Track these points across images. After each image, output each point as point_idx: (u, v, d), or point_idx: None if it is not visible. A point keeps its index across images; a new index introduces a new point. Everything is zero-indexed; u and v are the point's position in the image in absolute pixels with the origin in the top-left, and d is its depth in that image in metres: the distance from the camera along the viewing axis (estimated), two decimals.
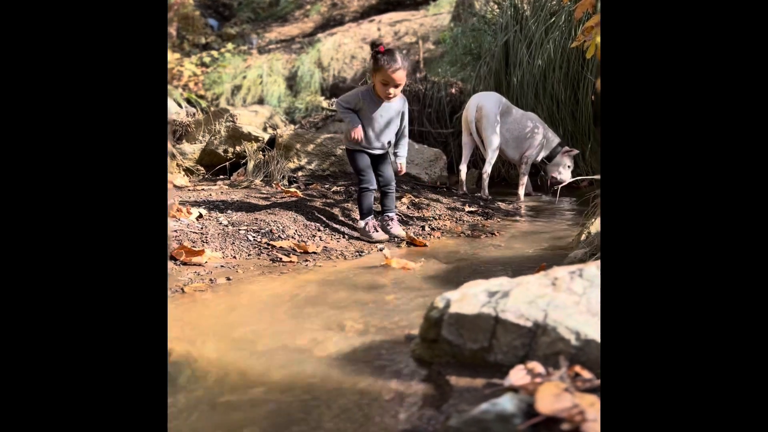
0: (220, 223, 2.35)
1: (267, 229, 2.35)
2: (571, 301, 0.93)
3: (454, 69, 5.70)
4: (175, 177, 3.57)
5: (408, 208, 3.10)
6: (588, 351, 0.85)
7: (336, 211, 2.79)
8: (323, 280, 1.79)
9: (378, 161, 2.55)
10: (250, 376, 1.03)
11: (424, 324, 1.02)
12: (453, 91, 5.33)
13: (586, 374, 0.80)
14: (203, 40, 9.53)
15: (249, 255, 2.09)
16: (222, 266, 1.91)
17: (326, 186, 3.37)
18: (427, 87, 5.36)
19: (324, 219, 2.62)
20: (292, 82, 7.91)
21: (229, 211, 2.58)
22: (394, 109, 2.49)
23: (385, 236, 2.47)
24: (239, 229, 2.30)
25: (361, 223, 2.49)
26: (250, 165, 3.64)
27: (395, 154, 2.60)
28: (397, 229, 2.52)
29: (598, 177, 2.07)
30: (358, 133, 2.42)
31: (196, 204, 2.65)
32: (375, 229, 2.47)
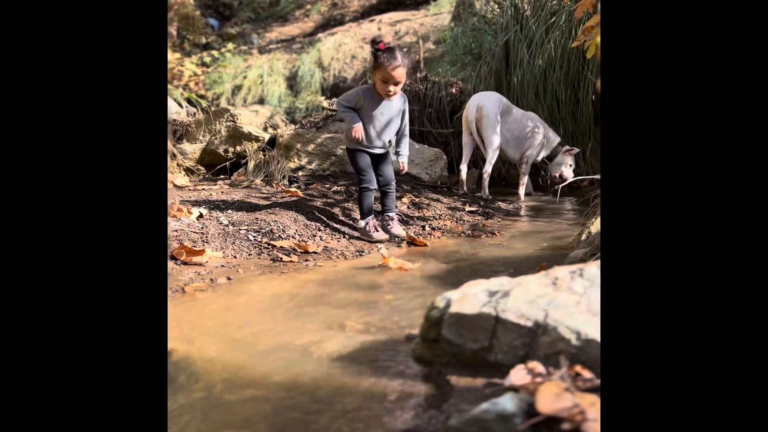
0: (221, 223, 2.35)
1: (267, 228, 2.35)
2: (571, 300, 0.93)
3: (455, 69, 5.70)
4: (176, 177, 3.57)
5: (408, 207, 3.10)
6: (588, 351, 0.85)
7: (336, 210, 2.79)
8: (323, 279, 1.79)
9: (378, 161, 2.55)
10: (251, 376, 1.03)
11: (425, 324, 1.02)
12: (453, 90, 5.33)
13: (587, 374, 0.80)
14: (204, 40, 9.53)
15: (249, 255, 2.09)
16: (222, 266, 1.91)
17: (327, 186, 3.37)
18: (428, 87, 5.36)
19: (324, 219, 2.62)
20: (293, 81, 7.91)
21: (229, 211, 2.58)
22: (395, 107, 2.49)
23: (386, 236, 2.47)
24: (240, 229, 2.30)
25: (362, 223, 2.49)
26: (251, 165, 3.64)
27: (397, 153, 2.61)
28: (397, 228, 2.53)
29: (598, 177, 2.07)
30: (358, 131, 2.42)
31: (197, 204, 2.65)
32: (375, 228, 2.47)
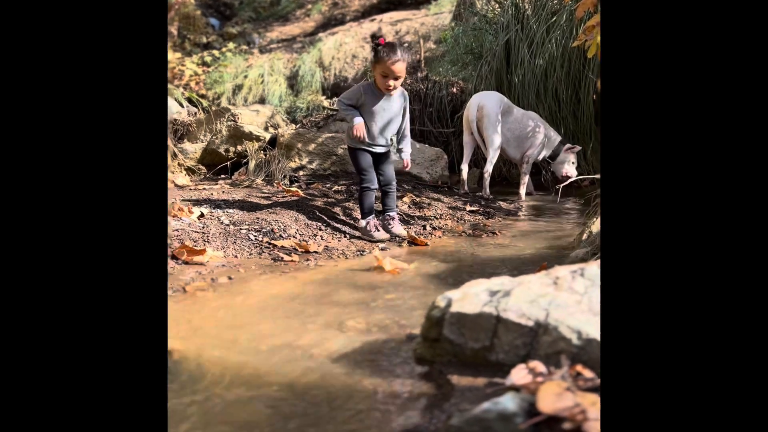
0: (222, 223, 2.35)
1: (268, 228, 2.35)
2: (572, 300, 0.93)
3: (455, 68, 5.69)
4: (177, 176, 3.58)
5: (409, 207, 3.10)
6: (589, 350, 0.85)
7: (337, 210, 2.79)
8: (324, 279, 1.80)
9: (379, 160, 2.55)
10: (252, 376, 1.03)
11: (426, 323, 1.02)
12: (454, 90, 5.32)
13: (588, 373, 0.80)
14: (204, 40, 9.52)
15: (250, 254, 2.09)
16: (223, 265, 1.91)
17: (327, 185, 3.37)
18: (428, 86, 5.35)
19: (325, 218, 2.62)
20: (294, 81, 7.90)
21: (230, 211, 2.58)
22: (396, 103, 2.50)
23: (387, 235, 2.47)
24: (241, 229, 2.30)
25: (363, 223, 2.49)
26: (252, 164, 3.65)
27: (399, 151, 2.61)
28: (398, 228, 2.53)
29: (599, 176, 2.07)
30: (360, 130, 2.42)
31: (198, 203, 2.65)
32: (376, 228, 2.47)
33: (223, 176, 3.85)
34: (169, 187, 3.15)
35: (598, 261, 1.02)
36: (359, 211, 2.57)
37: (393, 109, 2.49)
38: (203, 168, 4.06)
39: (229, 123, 4.14)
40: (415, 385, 0.94)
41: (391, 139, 2.57)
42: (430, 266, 1.98)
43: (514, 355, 0.90)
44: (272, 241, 2.22)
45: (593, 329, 0.86)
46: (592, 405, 0.68)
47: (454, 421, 0.71)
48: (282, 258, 2.05)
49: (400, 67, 2.33)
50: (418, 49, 6.75)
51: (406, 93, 2.58)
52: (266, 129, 4.54)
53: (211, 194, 2.95)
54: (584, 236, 2.10)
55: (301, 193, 3.03)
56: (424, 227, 2.74)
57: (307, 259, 2.07)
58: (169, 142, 3.66)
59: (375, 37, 2.34)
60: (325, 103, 6.92)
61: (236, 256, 2.06)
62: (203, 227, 2.25)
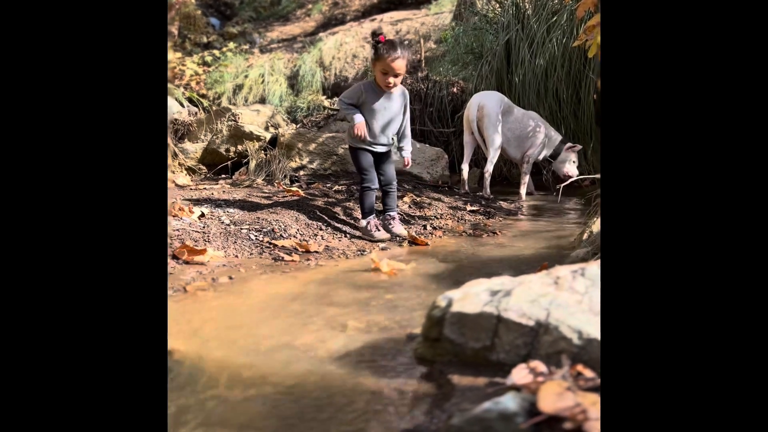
0: (222, 222, 2.36)
1: (269, 228, 2.35)
2: (573, 300, 0.93)
3: (456, 68, 5.69)
4: (178, 176, 3.58)
5: (410, 207, 3.10)
6: (590, 350, 0.85)
7: (338, 210, 2.79)
8: (325, 279, 1.80)
9: (380, 160, 2.55)
10: (253, 375, 1.03)
11: (426, 323, 1.02)
12: (454, 90, 5.33)
13: (589, 373, 0.80)
14: (205, 40, 9.52)
15: (251, 254, 2.09)
16: (224, 265, 1.91)
17: (328, 185, 3.37)
18: (429, 86, 5.36)
19: (326, 218, 2.62)
20: (294, 81, 7.90)
21: (231, 210, 2.58)
22: (397, 100, 2.50)
23: (387, 235, 2.48)
24: (241, 228, 2.30)
25: (363, 222, 2.49)
26: (252, 164, 3.65)
27: (399, 149, 2.61)
28: (398, 228, 2.53)
29: (599, 176, 2.07)
30: (361, 128, 2.42)
31: (198, 203, 2.65)
32: (377, 228, 2.47)
33: (223, 176, 3.86)
34: (170, 186, 3.15)
35: (599, 261, 1.02)
36: (360, 211, 2.57)
37: (394, 107, 2.49)
38: (204, 168, 4.07)
39: (230, 123, 4.14)
40: (416, 385, 0.94)
41: (393, 138, 2.57)
42: (431, 266, 1.98)
43: (515, 355, 0.90)
44: (273, 241, 2.22)
45: (594, 329, 0.86)
46: (592, 405, 0.68)
47: (454, 421, 0.71)
48: (282, 258, 2.05)
49: (399, 64, 2.33)
50: (419, 49, 6.75)
51: (406, 91, 2.58)
52: (267, 129, 4.55)
53: (212, 194, 2.95)
54: (585, 236, 2.10)
55: (301, 192, 3.03)
56: (425, 227, 2.74)
57: (308, 259, 2.07)
58: (170, 142, 3.67)
59: (375, 34, 2.34)
60: (326, 103, 6.93)
61: (237, 256, 2.06)
62: (204, 227, 2.25)
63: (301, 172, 3.73)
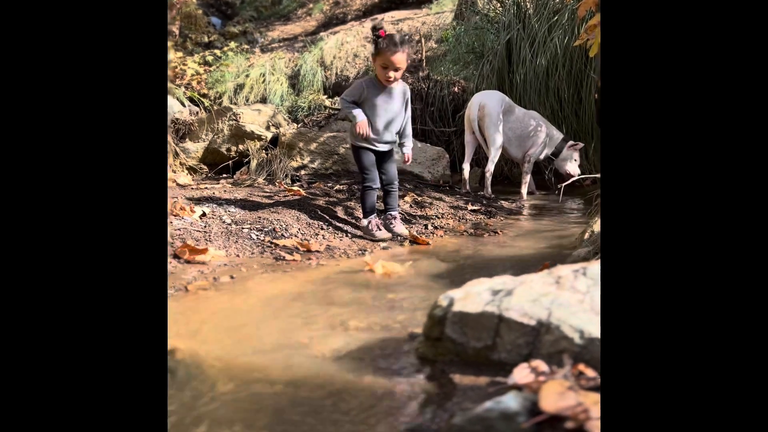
0: (224, 222, 2.36)
1: (270, 227, 2.36)
2: (574, 299, 0.93)
3: (457, 67, 5.69)
4: (179, 175, 3.58)
5: (411, 206, 3.10)
6: (592, 349, 0.85)
7: (339, 209, 2.79)
8: (326, 278, 1.80)
9: (382, 159, 2.55)
10: (254, 375, 1.03)
11: (428, 322, 1.02)
12: (456, 89, 5.32)
13: (590, 372, 0.80)
14: (206, 39, 9.52)
15: (252, 253, 2.09)
16: (225, 264, 1.92)
17: (329, 184, 3.38)
18: (430, 85, 5.35)
19: (327, 217, 2.62)
20: (295, 80, 7.90)
21: (232, 210, 2.58)
22: (398, 95, 2.50)
23: (388, 235, 2.48)
24: (242, 228, 2.30)
25: (364, 222, 2.49)
26: (253, 163, 3.65)
27: (400, 145, 2.62)
28: (399, 227, 2.53)
29: (600, 175, 2.07)
30: (363, 127, 2.42)
31: (200, 202, 2.65)
32: (378, 227, 2.47)
33: (224, 175, 3.86)
34: (171, 186, 3.15)
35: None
36: (361, 211, 2.57)
37: (395, 101, 2.50)
38: (205, 167, 4.07)
39: (231, 122, 4.14)
40: (418, 385, 0.94)
41: (396, 133, 2.57)
42: (432, 265, 1.98)
43: (517, 354, 0.90)
44: (274, 241, 2.22)
45: (595, 328, 0.86)
46: (594, 404, 0.68)
47: (456, 420, 0.71)
48: (284, 257, 2.05)
49: (400, 58, 2.33)
50: (420, 48, 6.74)
51: (408, 88, 2.58)
52: (268, 128, 4.55)
53: (213, 193, 2.95)
54: (586, 235, 2.10)
55: (302, 192, 3.03)
56: (426, 226, 2.74)
57: (309, 259, 2.07)
58: (171, 142, 3.67)
59: (375, 28, 2.35)
60: (327, 103, 6.92)
61: (238, 255, 2.06)
62: (205, 226, 2.25)
63: (303, 172, 3.73)
